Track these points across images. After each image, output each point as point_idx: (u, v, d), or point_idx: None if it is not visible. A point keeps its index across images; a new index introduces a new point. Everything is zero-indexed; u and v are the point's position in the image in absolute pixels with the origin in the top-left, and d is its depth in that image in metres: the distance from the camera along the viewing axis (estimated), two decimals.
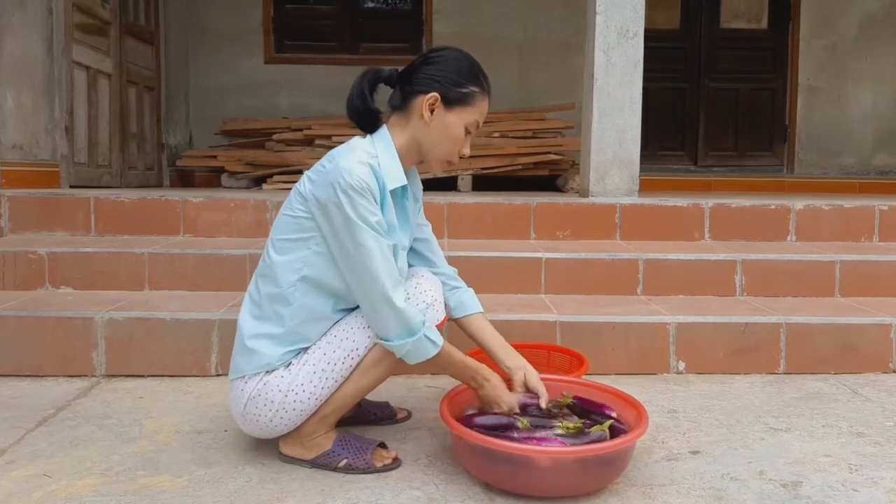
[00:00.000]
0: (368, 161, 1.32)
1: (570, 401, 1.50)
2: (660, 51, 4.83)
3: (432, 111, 1.37)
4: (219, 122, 4.79)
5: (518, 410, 1.43)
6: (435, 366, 1.38)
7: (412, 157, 1.43)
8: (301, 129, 4.21)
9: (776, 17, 5.52)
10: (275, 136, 4.24)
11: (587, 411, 1.48)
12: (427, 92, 1.36)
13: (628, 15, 2.92)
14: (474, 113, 1.39)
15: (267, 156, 4.15)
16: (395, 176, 1.37)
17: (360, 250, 1.28)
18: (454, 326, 1.61)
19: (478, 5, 5.29)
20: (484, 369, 1.42)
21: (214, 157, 4.39)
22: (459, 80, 1.37)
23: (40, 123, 3.26)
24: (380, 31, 5.35)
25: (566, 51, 5.22)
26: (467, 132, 1.40)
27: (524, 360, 1.52)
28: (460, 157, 1.44)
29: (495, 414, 1.42)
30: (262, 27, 5.27)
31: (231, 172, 4.26)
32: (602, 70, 2.94)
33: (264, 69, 5.26)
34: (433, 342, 1.33)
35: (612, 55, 2.93)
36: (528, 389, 1.48)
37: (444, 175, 3.92)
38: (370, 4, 5.41)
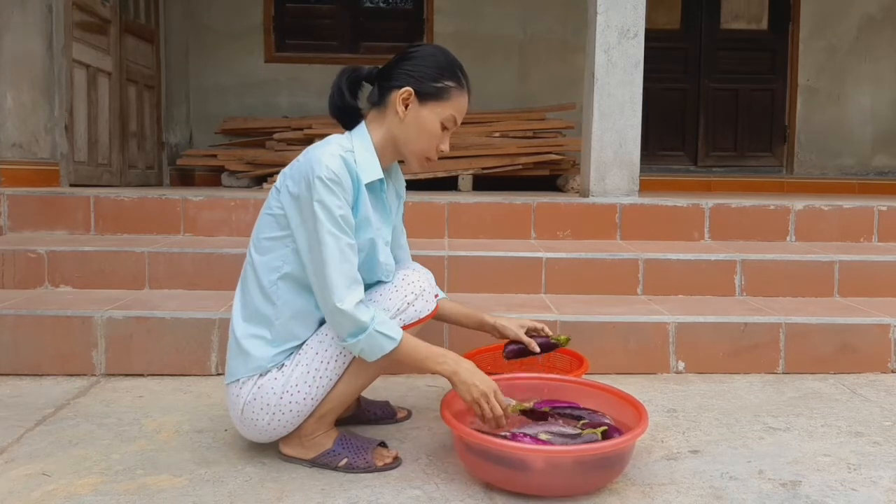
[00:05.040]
0: (341, 154, 1.32)
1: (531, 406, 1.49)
2: (660, 51, 4.83)
3: (406, 106, 1.37)
4: (219, 121, 4.79)
5: (495, 395, 1.33)
6: (401, 362, 1.34)
7: (389, 152, 1.43)
8: (301, 129, 4.20)
9: (776, 18, 5.52)
10: (275, 136, 4.23)
11: (561, 409, 1.49)
12: (401, 87, 1.36)
13: (629, 15, 2.92)
14: (450, 108, 1.38)
15: (267, 155, 4.14)
16: (371, 169, 1.37)
17: (317, 246, 1.28)
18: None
19: (478, 5, 5.29)
20: (453, 355, 1.36)
21: (215, 156, 4.38)
22: (434, 74, 1.37)
23: (40, 122, 3.25)
24: (380, 30, 5.35)
25: (566, 50, 5.22)
26: (444, 128, 1.39)
27: (498, 317, 1.63)
28: (440, 155, 1.42)
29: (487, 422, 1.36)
30: (263, 26, 5.26)
31: (231, 171, 4.25)
32: (603, 70, 2.94)
33: (265, 68, 5.26)
34: (388, 336, 1.29)
35: (613, 55, 2.93)
36: (512, 340, 1.63)
37: (445, 174, 3.93)
38: (371, 4, 5.41)
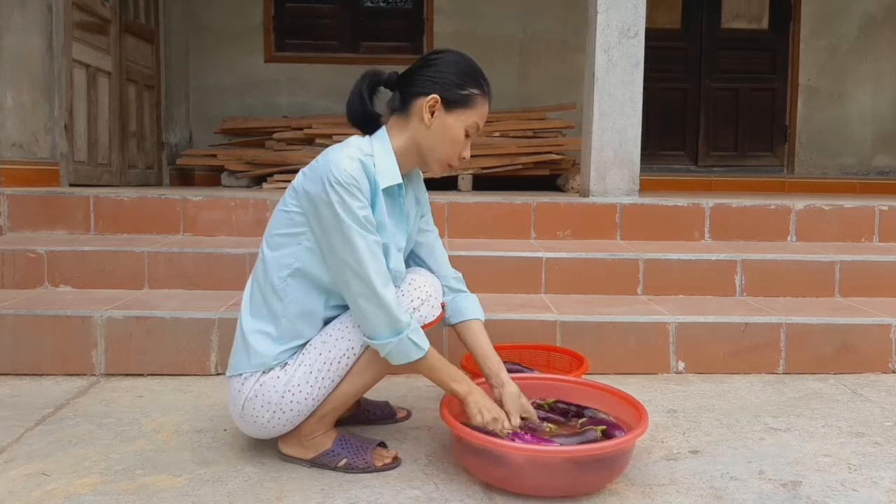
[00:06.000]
0: (360, 157, 1.32)
1: (551, 402, 1.51)
2: (660, 51, 4.83)
3: (432, 113, 1.37)
4: (219, 120, 4.79)
5: (504, 423, 1.36)
6: (419, 371, 1.36)
7: (410, 158, 1.42)
8: (301, 128, 4.20)
9: (777, 17, 5.52)
10: (275, 135, 4.23)
11: (570, 408, 1.50)
12: (427, 94, 1.36)
13: (629, 14, 2.92)
14: (474, 115, 1.39)
15: (267, 155, 4.14)
16: (389, 174, 1.37)
17: (346, 246, 1.28)
18: (453, 333, 1.60)
19: (478, 5, 5.28)
20: (468, 380, 1.39)
21: (214, 156, 4.38)
22: (459, 82, 1.37)
23: (40, 122, 3.25)
24: (380, 30, 5.35)
25: (566, 50, 5.22)
26: (467, 135, 1.40)
27: (508, 378, 1.45)
28: (461, 160, 1.43)
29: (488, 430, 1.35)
30: (263, 26, 5.26)
31: (231, 171, 4.25)
32: (603, 69, 2.93)
33: (265, 68, 5.25)
34: (417, 345, 1.31)
35: (613, 54, 2.93)
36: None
37: (445, 174, 3.92)
38: (371, 3, 5.41)
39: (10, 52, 3.03)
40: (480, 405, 1.36)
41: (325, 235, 1.31)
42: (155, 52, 4.49)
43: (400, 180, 1.39)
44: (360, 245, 1.28)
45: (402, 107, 1.40)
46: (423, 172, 1.55)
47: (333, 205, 1.27)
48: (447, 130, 1.38)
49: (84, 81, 3.60)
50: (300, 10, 5.33)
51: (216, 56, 5.19)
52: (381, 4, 5.43)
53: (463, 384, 1.37)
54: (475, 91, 1.38)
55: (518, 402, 1.42)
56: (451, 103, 1.37)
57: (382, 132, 1.41)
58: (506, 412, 1.40)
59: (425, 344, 1.33)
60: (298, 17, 5.33)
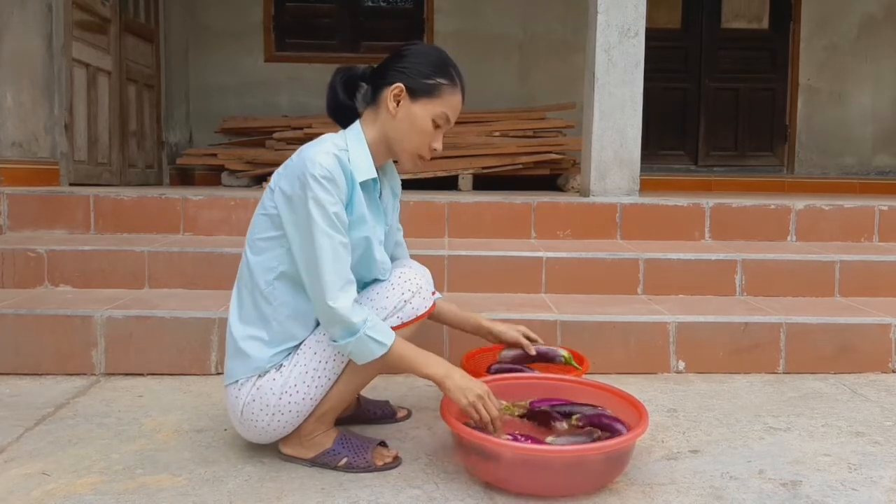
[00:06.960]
0: (335, 152, 1.31)
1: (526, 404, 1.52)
2: (661, 50, 4.82)
3: (398, 102, 1.37)
4: (219, 120, 4.78)
5: (488, 398, 1.33)
6: (391, 365, 1.33)
7: (383, 150, 1.42)
8: (301, 128, 4.20)
9: (777, 17, 5.52)
10: (275, 135, 4.23)
11: (560, 407, 1.50)
12: (392, 83, 1.36)
13: (629, 14, 2.92)
14: (441, 105, 1.38)
15: (267, 154, 4.14)
16: (364, 168, 1.37)
17: (310, 245, 1.28)
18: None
19: (478, 4, 5.29)
20: (445, 360, 1.35)
21: (214, 155, 4.37)
22: (426, 71, 1.37)
23: (40, 121, 3.25)
24: (380, 29, 5.35)
25: (567, 50, 5.22)
26: (437, 126, 1.39)
27: (493, 322, 1.66)
28: (433, 154, 1.42)
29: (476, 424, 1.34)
30: (263, 25, 5.26)
31: (231, 171, 4.24)
32: (603, 69, 2.93)
33: (265, 67, 5.26)
34: (377, 342, 1.28)
35: (614, 54, 2.93)
36: (510, 344, 1.66)
37: (445, 174, 3.92)
38: (371, 3, 5.40)
39: (10, 51, 3.03)
40: (462, 385, 1.32)
41: (296, 232, 1.30)
42: (155, 52, 4.49)
43: (375, 174, 1.39)
44: (323, 246, 1.27)
45: (373, 99, 1.41)
46: (400, 171, 1.56)
47: (307, 200, 1.27)
48: (413, 120, 1.37)
49: (84, 81, 3.60)
50: (300, 10, 5.33)
51: (216, 56, 5.19)
52: (382, 4, 5.43)
53: (439, 367, 1.33)
54: (442, 81, 1.37)
55: (514, 328, 1.63)
56: (416, 92, 1.36)
57: (356, 126, 1.41)
58: (516, 332, 1.62)
59: (388, 339, 1.29)
60: (298, 17, 5.33)
